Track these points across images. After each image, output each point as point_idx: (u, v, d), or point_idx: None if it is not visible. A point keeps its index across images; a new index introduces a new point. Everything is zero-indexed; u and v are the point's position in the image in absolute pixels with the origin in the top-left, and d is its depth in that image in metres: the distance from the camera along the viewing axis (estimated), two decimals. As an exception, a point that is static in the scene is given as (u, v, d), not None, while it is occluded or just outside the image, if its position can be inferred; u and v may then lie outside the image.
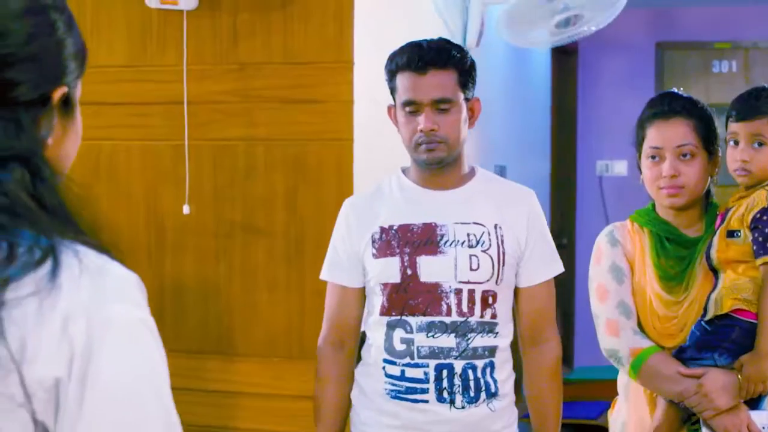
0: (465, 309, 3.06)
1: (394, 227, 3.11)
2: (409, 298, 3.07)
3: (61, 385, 1.30)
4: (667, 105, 3.15)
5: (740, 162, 3.01)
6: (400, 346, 3.09)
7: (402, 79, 3.05)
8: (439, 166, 3.09)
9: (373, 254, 3.12)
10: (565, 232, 8.40)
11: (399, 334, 3.09)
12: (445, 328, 3.05)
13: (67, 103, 1.47)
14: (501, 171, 6.30)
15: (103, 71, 4.19)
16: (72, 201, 1.43)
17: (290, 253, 4.01)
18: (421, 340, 3.06)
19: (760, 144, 3.00)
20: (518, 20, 5.10)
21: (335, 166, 3.94)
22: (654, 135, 3.11)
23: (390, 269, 3.09)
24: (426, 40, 3.11)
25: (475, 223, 3.10)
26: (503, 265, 3.09)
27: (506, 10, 5.06)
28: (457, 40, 4.57)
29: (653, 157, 3.11)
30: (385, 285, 3.10)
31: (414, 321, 3.06)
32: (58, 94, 1.45)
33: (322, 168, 3.96)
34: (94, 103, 4.16)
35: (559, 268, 3.23)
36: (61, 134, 1.48)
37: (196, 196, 4.10)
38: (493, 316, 3.09)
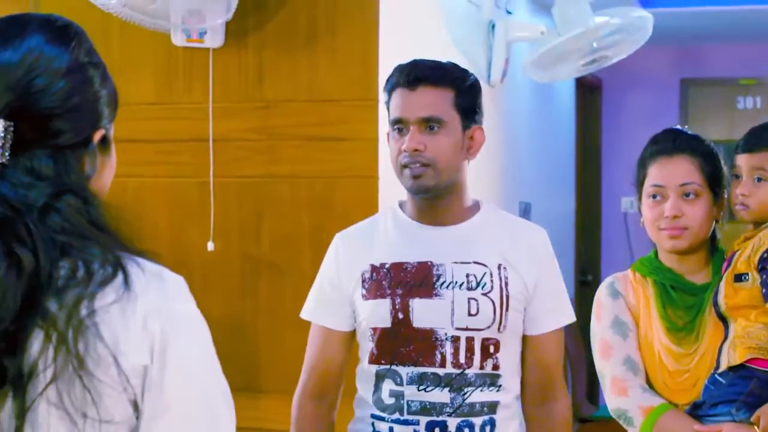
0: (462, 359, 2.73)
1: (387, 265, 2.80)
2: (399, 345, 2.75)
3: (147, 371, 1.62)
4: (671, 142, 2.97)
5: (740, 196, 2.89)
6: (389, 400, 2.78)
7: (394, 97, 2.81)
8: (428, 195, 2.78)
9: (363, 295, 2.81)
10: (590, 269, 8.37)
11: (388, 385, 2.78)
12: (439, 381, 2.73)
13: (104, 141, 1.78)
14: (526, 208, 6.30)
15: (130, 109, 4.21)
16: (115, 221, 1.73)
17: (316, 290, 4.01)
18: (412, 393, 2.74)
19: (760, 179, 2.88)
20: (547, 60, 5.12)
21: (360, 203, 3.95)
22: (656, 173, 2.93)
23: (380, 312, 2.77)
24: (428, 59, 2.89)
25: (475, 262, 2.78)
26: (507, 309, 2.76)
27: (537, 52, 5.07)
28: (481, 77, 4.58)
29: (654, 196, 2.93)
30: (374, 330, 2.79)
31: (404, 371, 2.75)
32: (97, 136, 1.76)
33: (348, 206, 3.97)
34: (121, 140, 4.12)
35: (570, 317, 2.92)
36: (101, 168, 1.79)
37: (221, 233, 4.11)
38: (495, 367, 2.76)
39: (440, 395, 2.72)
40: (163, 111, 4.22)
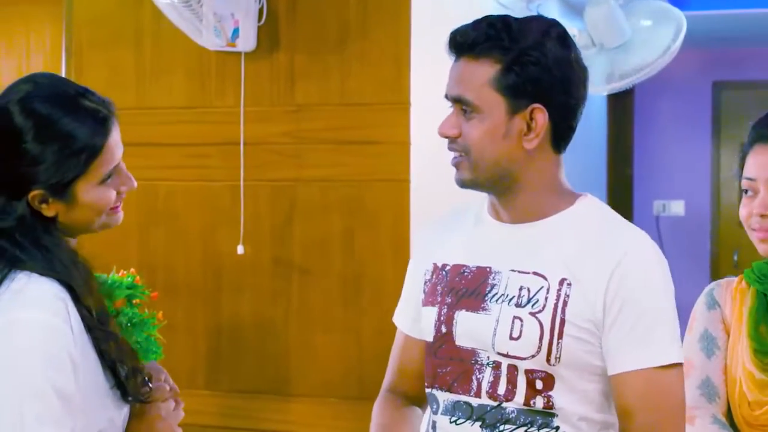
0: (500, 391, 2.20)
1: (447, 267, 2.34)
2: (439, 365, 2.30)
3: None
4: (766, 126, 2.48)
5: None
6: (425, 430, 2.37)
7: None
8: (473, 189, 2.30)
9: (422, 299, 2.39)
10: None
11: (428, 413, 2.37)
12: (470, 413, 2.24)
13: (58, 193, 2.08)
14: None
15: (162, 113, 4.23)
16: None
17: (347, 294, 4.00)
18: (443, 426, 2.28)
19: None
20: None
21: (392, 207, 3.94)
22: (750, 163, 2.45)
23: (427, 322, 2.34)
24: (495, 15, 2.27)
25: (535, 273, 2.21)
26: (560, 337, 2.16)
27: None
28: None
29: (746, 191, 2.45)
30: (425, 343, 2.37)
31: (441, 398, 2.29)
32: (34, 197, 2.09)
33: (379, 209, 3.96)
34: (152, 144, 4.20)
35: (666, 356, 2.15)
36: (64, 212, 2.11)
37: (252, 237, 4.11)
38: (548, 406, 2.18)
39: (470, 430, 2.24)
40: (194, 115, 4.23)
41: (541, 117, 2.21)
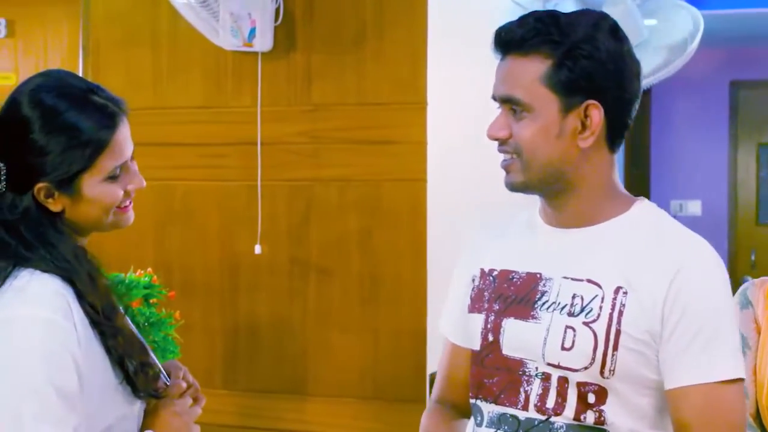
0: (550, 404, 2.08)
1: (495, 272, 2.21)
2: (485, 375, 2.18)
3: None
4: None
5: None
6: None
7: None
8: (524, 192, 2.17)
9: (468, 305, 2.25)
10: (639, 273, 8.31)
11: (471, 424, 2.25)
12: (516, 427, 2.12)
13: (63, 187, 2.07)
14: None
15: (179, 112, 4.24)
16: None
17: (364, 293, 4.00)
18: None
19: None
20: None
21: (409, 206, 3.94)
22: None
23: (472, 329, 2.21)
24: (541, 10, 2.15)
25: (588, 280, 2.09)
26: (615, 348, 2.03)
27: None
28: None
29: None
30: (471, 351, 2.23)
31: (486, 409, 2.17)
32: (39, 190, 2.08)
33: (396, 208, 3.96)
34: (169, 144, 4.21)
35: (726, 370, 2.01)
36: (70, 205, 2.09)
37: (269, 236, 4.12)
38: (600, 422, 2.05)
39: None
40: (211, 115, 4.23)
41: (597, 114, 2.08)
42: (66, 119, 2.07)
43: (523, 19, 2.09)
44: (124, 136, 2.14)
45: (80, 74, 4.29)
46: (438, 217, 3.92)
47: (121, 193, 2.17)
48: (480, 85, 4.49)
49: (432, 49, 3.95)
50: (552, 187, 2.12)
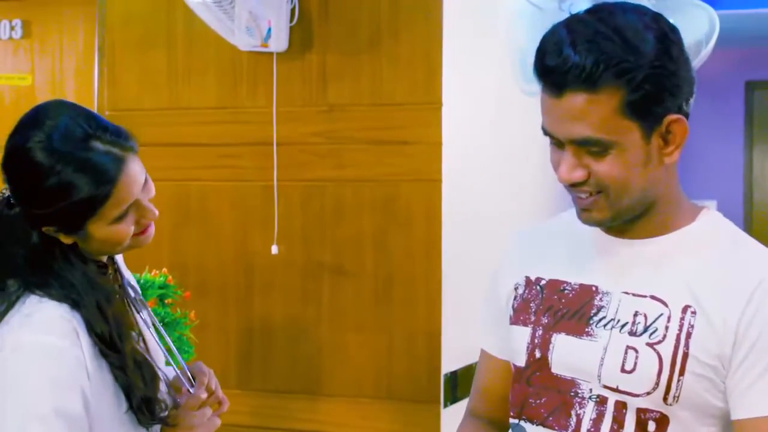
0: (605, 430, 1.91)
1: (543, 282, 2.06)
2: (530, 394, 2.01)
3: None
4: None
5: None
6: None
7: (540, 96, 1.94)
8: (605, 225, 2.00)
9: (510, 316, 2.10)
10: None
11: None
12: None
13: (71, 230, 2.13)
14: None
15: (194, 113, 4.24)
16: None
17: (378, 294, 4.00)
18: None
19: None
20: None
21: (424, 207, 3.93)
22: None
23: (516, 343, 2.06)
24: (579, 32, 1.85)
25: (653, 297, 1.92)
26: (681, 373, 1.86)
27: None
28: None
29: None
30: (514, 367, 2.09)
31: (531, 431, 2.01)
32: (49, 229, 2.14)
33: (411, 209, 3.96)
34: (185, 145, 4.22)
35: None
36: (83, 240, 2.14)
37: (284, 237, 4.12)
38: None
39: None
40: (226, 115, 4.23)
41: (679, 126, 1.92)
42: (62, 179, 2.06)
43: (577, 47, 1.83)
44: (131, 178, 2.11)
45: (95, 75, 4.30)
46: (453, 218, 3.92)
47: (132, 228, 2.17)
48: (495, 86, 4.51)
49: (447, 49, 3.94)
50: (637, 211, 1.96)
